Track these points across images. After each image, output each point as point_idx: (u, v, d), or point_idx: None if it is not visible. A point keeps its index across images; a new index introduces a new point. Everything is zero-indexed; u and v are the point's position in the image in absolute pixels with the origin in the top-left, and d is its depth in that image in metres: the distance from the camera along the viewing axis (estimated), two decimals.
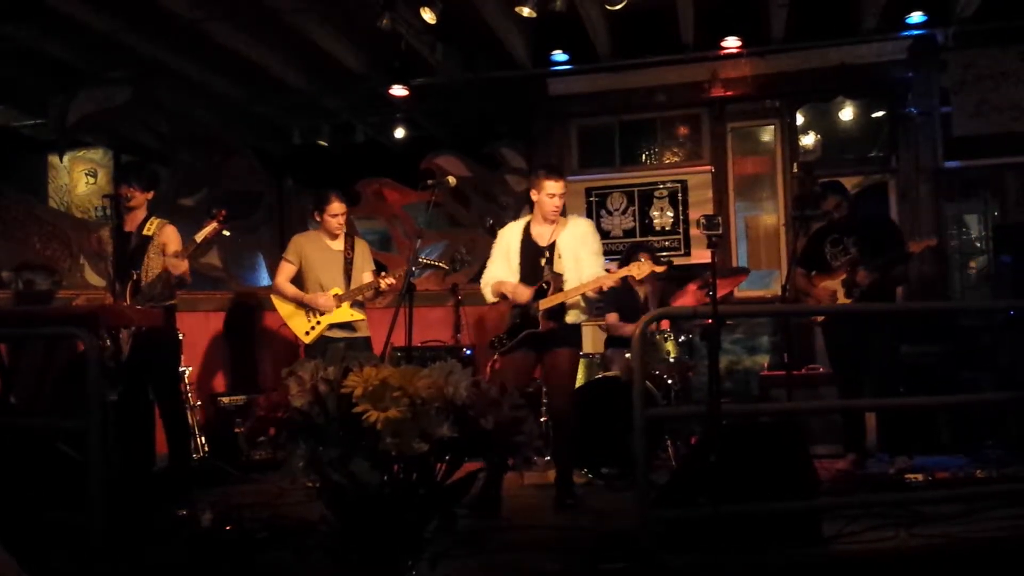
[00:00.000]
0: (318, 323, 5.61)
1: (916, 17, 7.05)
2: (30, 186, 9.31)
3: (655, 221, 8.23)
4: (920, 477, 4.98)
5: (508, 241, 4.93)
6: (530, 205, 5.02)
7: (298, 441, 2.61)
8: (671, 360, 5.98)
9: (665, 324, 6.01)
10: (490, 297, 4.92)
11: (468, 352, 7.19)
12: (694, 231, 8.07)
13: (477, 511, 4.43)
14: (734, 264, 7.79)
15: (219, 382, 7.31)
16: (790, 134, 7.97)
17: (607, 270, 4.79)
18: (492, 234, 7.46)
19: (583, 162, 8.46)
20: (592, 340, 7.23)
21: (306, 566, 3.49)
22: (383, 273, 5.60)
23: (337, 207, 5.64)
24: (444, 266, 5.94)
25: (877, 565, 3.50)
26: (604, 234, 7.89)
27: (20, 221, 7.18)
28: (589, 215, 8.10)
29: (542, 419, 5.98)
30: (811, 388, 6.28)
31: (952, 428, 6.08)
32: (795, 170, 7.91)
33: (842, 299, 5.53)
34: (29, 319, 5.00)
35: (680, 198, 8.18)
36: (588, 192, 8.30)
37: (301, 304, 5.64)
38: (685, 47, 7.71)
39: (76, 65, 7.76)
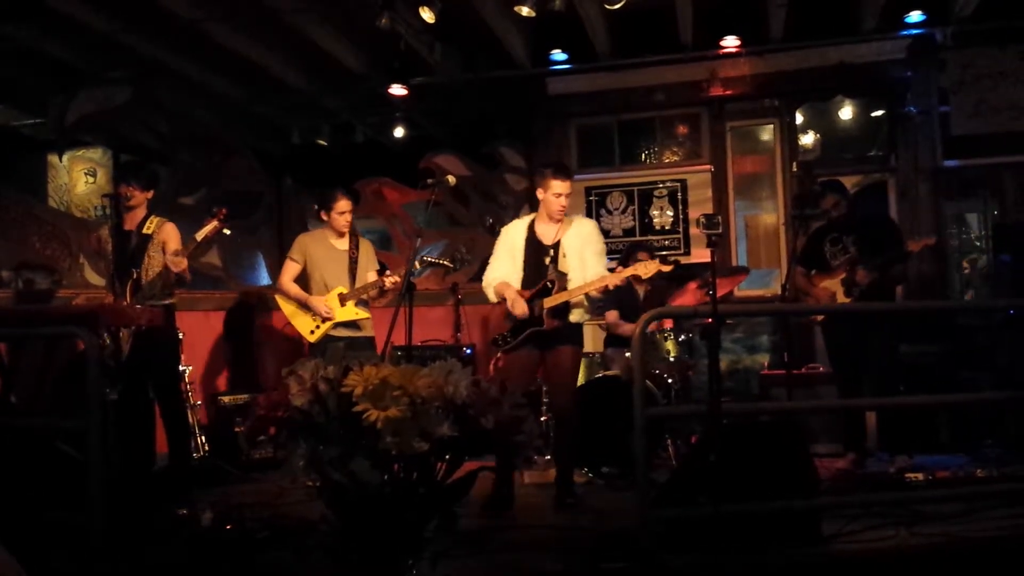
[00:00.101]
0: (323, 322, 5.62)
1: (915, 16, 7.06)
2: (30, 186, 9.31)
3: (655, 220, 8.24)
4: (920, 476, 4.98)
5: (512, 239, 4.94)
6: (530, 204, 5.03)
7: (298, 440, 2.62)
8: (671, 359, 5.98)
9: (667, 323, 6.01)
10: (493, 297, 4.92)
11: (468, 351, 7.20)
12: (694, 230, 8.07)
13: (491, 510, 4.46)
14: (734, 263, 7.79)
15: (219, 381, 7.32)
16: (789, 133, 7.97)
17: (610, 270, 4.81)
18: (492, 233, 7.47)
19: (582, 161, 8.45)
20: (592, 339, 7.23)
21: (306, 566, 3.49)
22: (388, 272, 5.61)
23: (344, 205, 5.69)
24: (448, 264, 5.95)
25: (877, 564, 3.50)
26: (604, 233, 7.84)
27: (20, 220, 7.18)
28: (589, 214, 8.09)
29: (542, 418, 5.99)
30: (811, 387, 6.29)
31: (951, 427, 6.09)
32: (794, 169, 7.91)
33: (841, 298, 5.53)
34: (29, 318, 4.99)
35: (680, 197, 8.18)
36: (588, 191, 8.29)
37: (304, 304, 5.66)
38: (684, 46, 7.70)
39: (76, 65, 7.75)
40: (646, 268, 4.74)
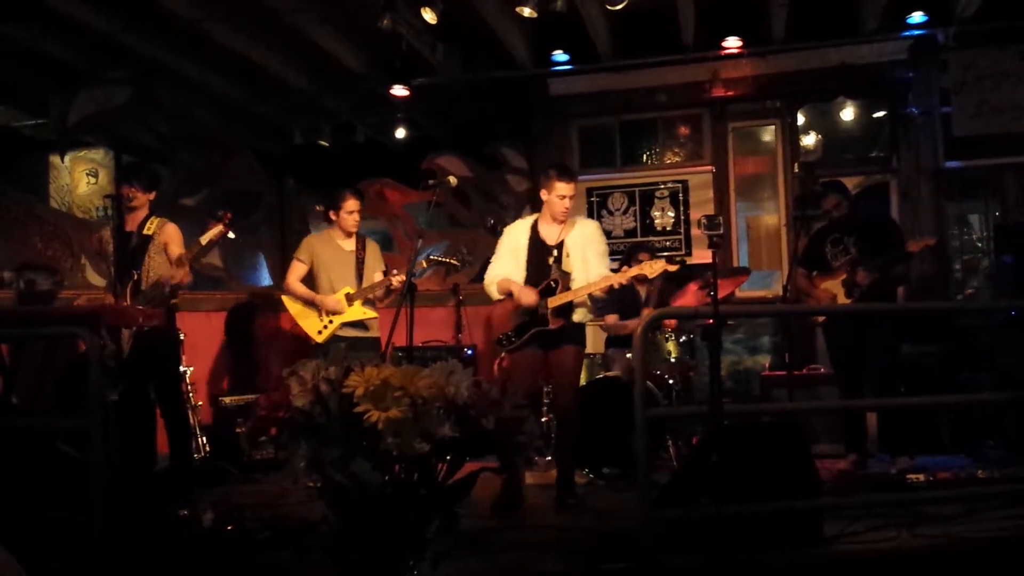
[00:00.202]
0: (331, 322, 5.63)
1: (917, 17, 7.03)
2: (31, 186, 9.31)
3: (656, 221, 8.23)
4: (921, 477, 4.98)
5: (516, 239, 4.95)
6: (531, 205, 5.03)
7: (299, 441, 2.61)
8: (672, 360, 5.98)
9: (668, 324, 6.01)
10: (495, 294, 4.92)
11: (469, 352, 7.20)
12: (695, 231, 8.06)
13: (500, 511, 4.48)
14: (735, 264, 7.79)
15: (221, 382, 7.32)
16: (791, 134, 7.97)
17: (612, 271, 4.81)
18: (493, 234, 7.47)
19: (584, 162, 8.45)
20: (593, 340, 7.22)
21: (307, 566, 3.49)
22: (394, 271, 5.62)
23: (353, 204, 5.71)
24: (455, 263, 5.95)
25: (878, 565, 3.50)
26: (605, 234, 7.88)
27: (21, 221, 7.18)
28: (590, 215, 8.09)
29: (543, 419, 5.99)
30: (812, 388, 6.28)
31: (953, 428, 6.08)
32: (796, 170, 7.90)
33: (842, 299, 5.53)
34: (30, 319, 5.00)
35: (681, 198, 8.17)
36: (589, 192, 8.29)
37: (312, 304, 5.67)
38: (686, 47, 7.70)
39: (76, 65, 7.75)
40: (652, 268, 4.74)
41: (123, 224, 5.14)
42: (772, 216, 8.09)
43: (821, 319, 6.05)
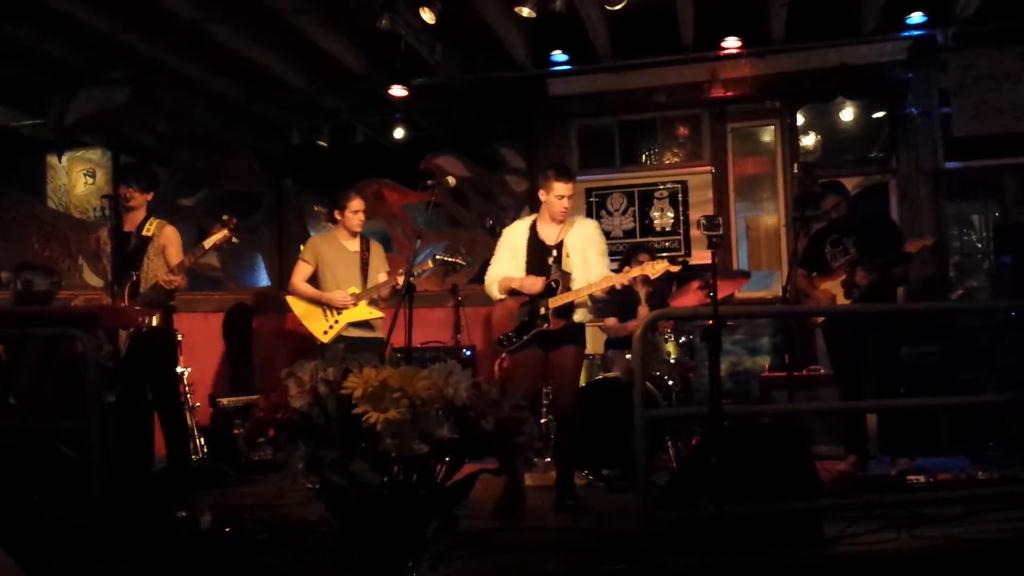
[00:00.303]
0: (336, 322, 5.63)
1: (916, 18, 7.04)
2: (29, 186, 9.29)
3: (655, 222, 8.23)
4: (921, 478, 4.98)
5: (515, 239, 4.94)
6: (531, 205, 5.03)
7: (298, 442, 2.61)
8: (672, 361, 5.98)
9: (667, 325, 6.00)
10: (496, 294, 4.92)
11: (468, 353, 7.19)
12: (694, 232, 8.06)
13: (502, 511, 4.48)
14: (734, 265, 7.79)
15: (219, 383, 7.30)
16: (790, 134, 7.96)
17: (612, 271, 4.81)
18: (492, 234, 7.47)
19: (583, 162, 8.44)
20: (593, 340, 7.22)
21: (306, 567, 3.49)
22: (401, 271, 5.63)
23: (358, 204, 5.76)
24: (462, 262, 5.95)
25: (878, 566, 3.50)
26: (604, 235, 7.88)
27: (19, 221, 7.17)
28: (589, 215, 8.08)
29: (543, 420, 5.98)
30: (812, 389, 6.28)
31: (953, 429, 6.07)
32: (795, 171, 7.90)
33: (841, 300, 5.52)
34: (28, 320, 4.99)
35: (680, 199, 8.17)
36: (588, 192, 8.28)
37: (318, 303, 5.67)
38: (685, 47, 7.70)
39: (76, 65, 7.75)
40: (654, 268, 4.73)
41: (121, 225, 5.14)
42: (771, 217, 8.08)
43: (821, 320, 6.05)
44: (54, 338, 5.68)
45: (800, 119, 8.03)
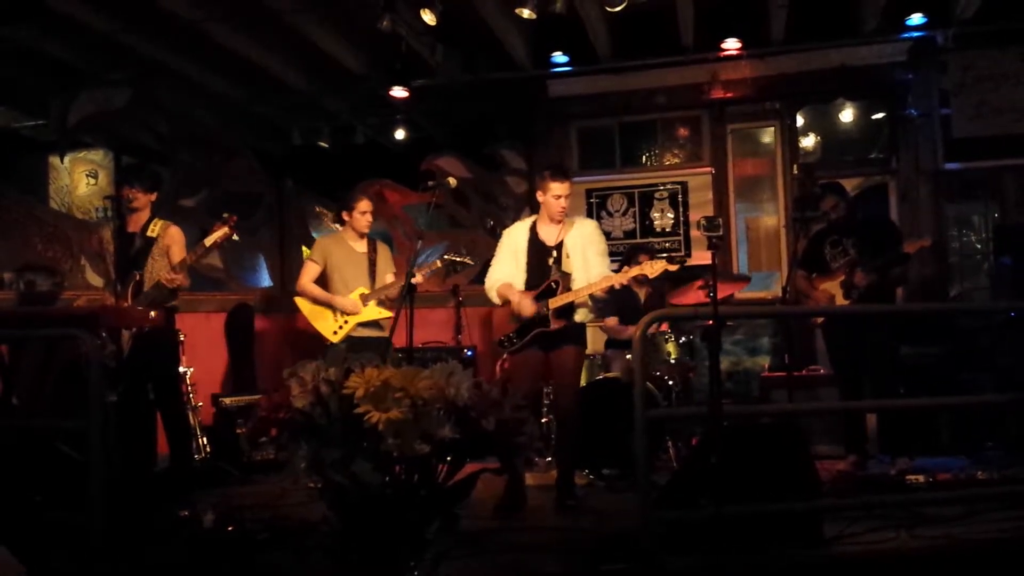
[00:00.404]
0: (346, 322, 5.64)
1: (916, 19, 7.03)
2: (31, 187, 9.31)
3: (655, 223, 8.23)
4: (921, 478, 4.98)
5: (515, 240, 4.95)
6: (531, 206, 5.03)
7: (300, 442, 2.62)
8: (672, 361, 5.98)
9: (665, 326, 6.01)
10: (495, 299, 4.93)
11: (469, 353, 7.20)
12: (694, 232, 8.06)
13: (503, 511, 4.49)
14: (734, 266, 7.80)
15: (221, 383, 7.31)
16: (790, 136, 7.97)
17: (612, 271, 4.82)
18: (492, 235, 7.47)
19: (583, 163, 8.45)
20: (593, 341, 7.22)
21: (307, 567, 3.50)
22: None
23: (366, 205, 5.79)
24: (469, 261, 5.96)
25: (878, 566, 3.50)
26: (605, 236, 7.89)
27: (21, 222, 7.17)
28: (589, 216, 8.08)
29: (543, 420, 5.99)
30: (812, 389, 6.28)
31: (952, 429, 6.08)
32: (795, 172, 7.91)
33: (840, 301, 5.53)
34: (30, 320, 5.00)
35: (680, 199, 8.17)
36: (588, 193, 8.29)
37: (327, 304, 5.68)
38: (685, 49, 7.70)
39: (76, 65, 7.75)
40: (652, 267, 4.74)
41: (124, 225, 5.15)
42: (771, 217, 8.09)
43: (820, 320, 6.06)
44: (56, 338, 5.68)
45: (800, 120, 8.04)
